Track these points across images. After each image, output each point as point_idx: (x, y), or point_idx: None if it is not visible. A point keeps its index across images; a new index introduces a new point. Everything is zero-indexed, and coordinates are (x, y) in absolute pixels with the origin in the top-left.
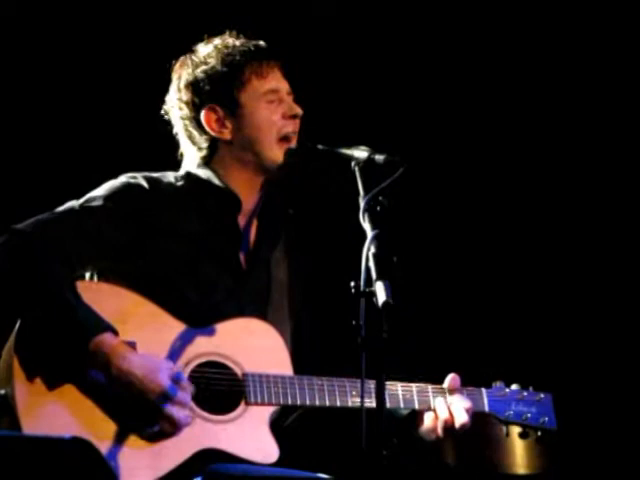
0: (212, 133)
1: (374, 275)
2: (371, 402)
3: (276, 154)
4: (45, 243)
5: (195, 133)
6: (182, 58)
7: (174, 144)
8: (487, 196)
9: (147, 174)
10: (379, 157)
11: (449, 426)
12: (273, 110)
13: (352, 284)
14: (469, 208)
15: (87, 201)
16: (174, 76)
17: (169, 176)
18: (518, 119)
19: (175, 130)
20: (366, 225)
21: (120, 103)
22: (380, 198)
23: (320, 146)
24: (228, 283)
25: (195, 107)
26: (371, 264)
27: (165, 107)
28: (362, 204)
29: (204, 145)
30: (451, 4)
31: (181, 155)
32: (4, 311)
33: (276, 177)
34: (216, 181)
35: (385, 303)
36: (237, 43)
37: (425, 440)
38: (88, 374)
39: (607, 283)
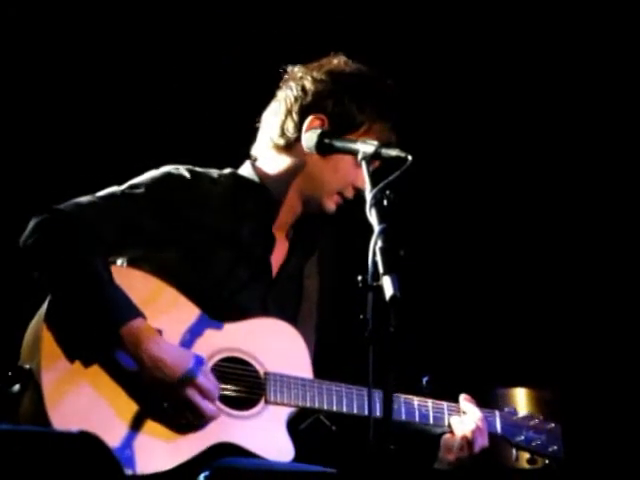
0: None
1: (381, 269)
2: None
3: (326, 201)
4: (83, 225)
5: (292, 119)
6: (342, 56)
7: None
8: (492, 198)
9: (190, 167)
10: (386, 151)
11: (469, 439)
12: (352, 172)
13: (359, 278)
14: (473, 209)
15: (128, 188)
16: (325, 62)
17: (213, 172)
18: (523, 114)
19: (276, 99)
20: (373, 219)
21: (170, 97)
22: (387, 192)
23: (326, 139)
24: (256, 286)
25: (314, 102)
26: (378, 258)
27: (290, 73)
28: (369, 198)
29: (291, 134)
30: (453, 3)
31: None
32: (38, 289)
33: (313, 212)
34: (258, 182)
35: (392, 297)
36: (389, 95)
37: (446, 464)
38: (117, 357)
39: (610, 286)
